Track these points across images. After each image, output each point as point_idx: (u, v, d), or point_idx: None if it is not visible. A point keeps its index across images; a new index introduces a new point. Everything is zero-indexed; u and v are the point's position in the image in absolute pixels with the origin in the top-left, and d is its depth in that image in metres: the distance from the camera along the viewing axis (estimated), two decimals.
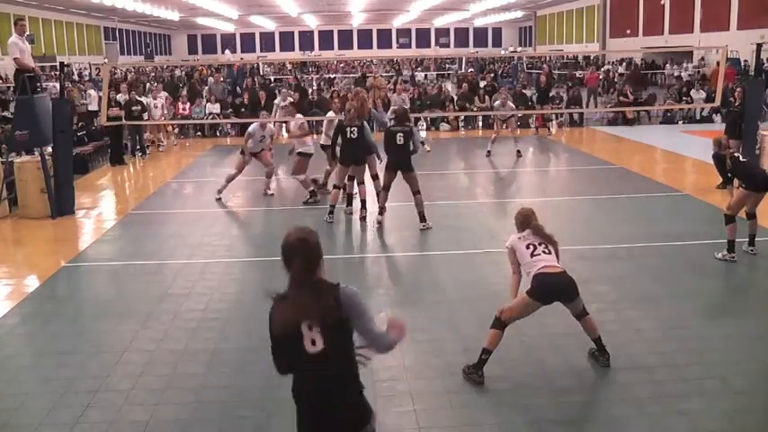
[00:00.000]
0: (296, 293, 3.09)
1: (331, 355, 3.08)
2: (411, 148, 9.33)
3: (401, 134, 9.28)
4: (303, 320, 3.03)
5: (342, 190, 10.21)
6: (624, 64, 37.22)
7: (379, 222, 9.66)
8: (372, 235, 9.62)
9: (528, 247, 5.28)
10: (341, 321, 3.06)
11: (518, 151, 15.53)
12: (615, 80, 27.97)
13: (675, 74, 32.71)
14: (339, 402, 3.18)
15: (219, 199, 11.43)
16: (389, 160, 9.48)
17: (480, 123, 21.35)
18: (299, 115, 12.15)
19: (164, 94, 19.76)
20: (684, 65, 33.42)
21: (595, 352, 5.44)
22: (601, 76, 28.13)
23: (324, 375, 3.14)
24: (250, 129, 11.73)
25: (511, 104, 16.59)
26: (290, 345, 3.11)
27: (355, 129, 9.71)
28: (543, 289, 5.14)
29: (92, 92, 21.19)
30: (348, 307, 3.10)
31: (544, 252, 5.25)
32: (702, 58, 33.77)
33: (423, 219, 9.48)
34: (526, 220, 5.45)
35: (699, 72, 31.21)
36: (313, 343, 3.05)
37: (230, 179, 11.53)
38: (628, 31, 42.10)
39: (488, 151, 15.56)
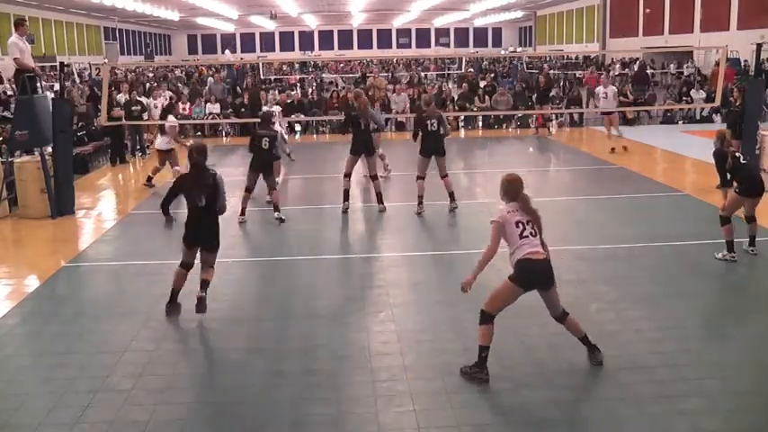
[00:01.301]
0: (195, 173, 6.41)
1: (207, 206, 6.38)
2: (442, 132, 10.18)
3: (433, 121, 10.08)
4: (196, 187, 6.37)
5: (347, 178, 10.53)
6: (638, 64, 36.99)
7: (419, 214, 10.18)
8: (371, 234, 9.62)
9: (517, 226, 5.10)
10: (215, 190, 6.37)
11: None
12: (615, 82, 27.91)
13: (673, 72, 32.73)
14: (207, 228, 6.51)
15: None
16: (423, 147, 10.17)
17: (480, 123, 21.36)
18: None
19: (167, 93, 19.76)
20: (684, 65, 33.42)
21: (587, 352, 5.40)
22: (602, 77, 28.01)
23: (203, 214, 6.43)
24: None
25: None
26: (188, 199, 6.45)
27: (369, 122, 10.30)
28: (526, 276, 5.08)
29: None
30: (219, 183, 6.41)
31: (531, 234, 5.11)
32: (690, 61, 33.74)
33: (453, 198, 10.40)
34: (514, 190, 5.21)
35: (696, 70, 31.19)
36: (200, 200, 6.35)
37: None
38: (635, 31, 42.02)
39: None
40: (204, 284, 6.48)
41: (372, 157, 10.49)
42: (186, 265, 6.68)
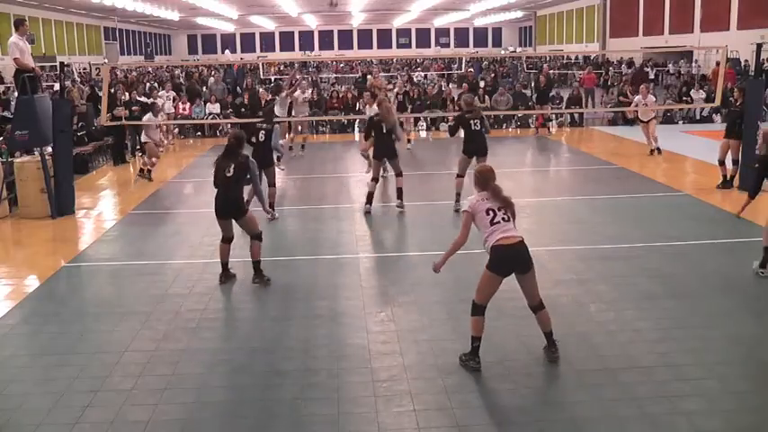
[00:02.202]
0: (226, 152, 7.38)
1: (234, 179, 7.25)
2: (484, 130, 10.37)
3: (476, 121, 10.24)
4: (225, 160, 7.28)
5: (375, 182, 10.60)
6: (650, 64, 36.90)
7: (457, 211, 10.05)
8: (371, 234, 9.62)
9: (488, 213, 5.21)
10: (244, 167, 7.26)
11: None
12: (610, 82, 27.95)
13: (672, 71, 32.73)
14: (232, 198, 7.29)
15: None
16: (467, 148, 10.29)
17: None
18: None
19: (171, 93, 19.75)
20: (681, 65, 33.46)
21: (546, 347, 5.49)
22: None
23: (228, 186, 7.26)
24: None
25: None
26: (218, 174, 7.28)
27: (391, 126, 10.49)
28: (499, 261, 5.19)
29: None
30: (249, 164, 7.33)
31: (503, 219, 5.21)
32: (678, 62, 33.69)
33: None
34: (484, 180, 5.34)
35: (696, 70, 31.22)
36: (228, 171, 7.19)
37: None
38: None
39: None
40: (255, 267, 7.33)
41: (395, 159, 10.62)
42: (226, 239, 7.41)
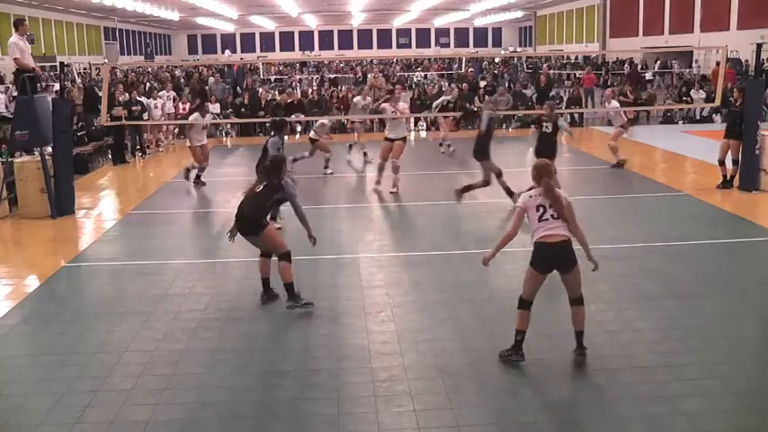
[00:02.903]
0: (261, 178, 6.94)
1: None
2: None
3: (548, 123, 10.89)
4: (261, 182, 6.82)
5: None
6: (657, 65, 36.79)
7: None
8: (371, 234, 9.62)
9: (537, 210, 5.32)
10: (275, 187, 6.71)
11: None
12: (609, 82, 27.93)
13: (677, 71, 32.75)
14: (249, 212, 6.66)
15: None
16: (536, 148, 10.89)
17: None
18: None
19: (171, 93, 19.73)
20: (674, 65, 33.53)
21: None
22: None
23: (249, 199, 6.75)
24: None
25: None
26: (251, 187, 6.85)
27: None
28: (540, 258, 5.28)
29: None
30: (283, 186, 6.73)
31: (552, 217, 5.28)
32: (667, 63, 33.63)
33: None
34: (538, 176, 5.44)
35: (696, 71, 31.24)
36: (258, 188, 6.72)
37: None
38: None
39: None
40: (287, 291, 6.58)
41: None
42: (264, 253, 6.82)
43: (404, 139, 11.89)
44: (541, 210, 5.29)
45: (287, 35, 69.90)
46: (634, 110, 20.94)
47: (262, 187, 6.69)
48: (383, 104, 12.33)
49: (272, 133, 10.01)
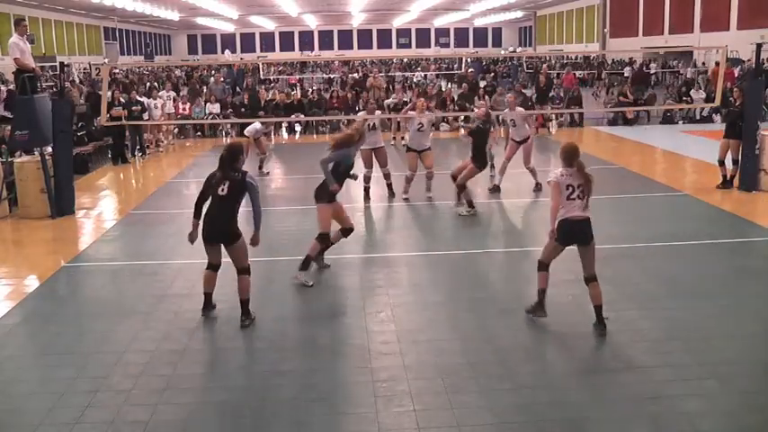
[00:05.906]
0: (222, 171, 6.21)
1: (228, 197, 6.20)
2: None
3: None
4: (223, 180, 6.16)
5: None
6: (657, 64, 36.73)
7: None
8: (371, 234, 9.62)
9: (567, 188, 5.84)
10: (240, 185, 6.19)
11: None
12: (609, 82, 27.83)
13: (681, 71, 32.73)
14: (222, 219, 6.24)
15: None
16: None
17: None
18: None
19: (171, 93, 19.72)
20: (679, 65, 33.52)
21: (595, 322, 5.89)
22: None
23: (221, 204, 6.22)
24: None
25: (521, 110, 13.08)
26: (211, 192, 6.21)
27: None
28: (563, 234, 5.88)
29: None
30: (247, 181, 6.21)
31: (579, 197, 5.84)
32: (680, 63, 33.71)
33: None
34: (570, 157, 5.90)
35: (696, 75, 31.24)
36: (222, 190, 6.15)
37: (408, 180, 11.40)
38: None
39: None
40: (242, 307, 6.25)
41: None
42: (212, 266, 6.40)
43: (429, 147, 11.65)
44: (570, 189, 5.82)
45: (287, 35, 69.94)
46: (634, 110, 20.96)
47: (227, 190, 6.12)
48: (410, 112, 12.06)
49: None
